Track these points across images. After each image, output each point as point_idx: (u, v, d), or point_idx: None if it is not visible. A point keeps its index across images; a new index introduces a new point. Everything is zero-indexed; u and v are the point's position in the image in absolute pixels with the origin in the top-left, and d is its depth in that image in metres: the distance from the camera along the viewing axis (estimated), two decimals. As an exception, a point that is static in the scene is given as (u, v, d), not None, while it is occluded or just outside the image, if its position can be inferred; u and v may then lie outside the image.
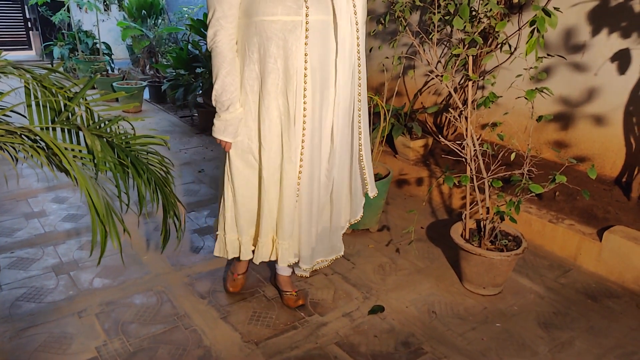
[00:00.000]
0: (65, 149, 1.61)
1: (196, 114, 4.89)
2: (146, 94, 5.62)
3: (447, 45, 3.65)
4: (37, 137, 1.58)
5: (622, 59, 2.90)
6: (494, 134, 2.32)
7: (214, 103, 1.80)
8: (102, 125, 1.78)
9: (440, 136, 3.60)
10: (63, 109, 1.77)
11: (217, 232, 2.02)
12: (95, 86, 5.74)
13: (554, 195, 2.84)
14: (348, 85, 1.82)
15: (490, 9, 2.20)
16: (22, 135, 1.61)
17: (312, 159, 1.84)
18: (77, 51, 6.30)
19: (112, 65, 6.40)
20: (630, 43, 2.84)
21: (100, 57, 6.19)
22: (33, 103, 1.73)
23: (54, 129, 1.79)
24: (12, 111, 1.84)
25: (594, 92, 3.06)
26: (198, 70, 4.65)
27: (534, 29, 2.04)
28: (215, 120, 1.81)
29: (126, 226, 1.59)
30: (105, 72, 5.80)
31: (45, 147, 1.59)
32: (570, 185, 2.31)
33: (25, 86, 1.74)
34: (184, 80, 4.63)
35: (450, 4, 2.25)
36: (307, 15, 1.67)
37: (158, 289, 2.27)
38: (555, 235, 2.65)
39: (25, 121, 1.79)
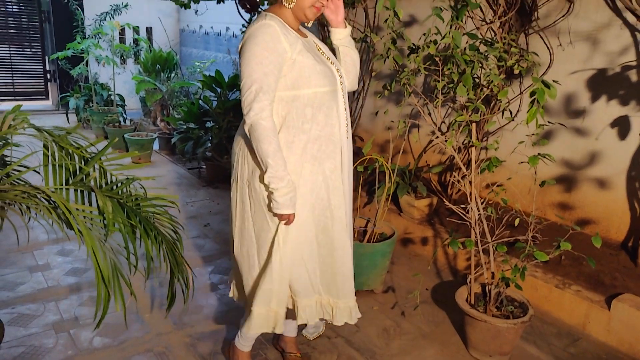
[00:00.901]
0: (77, 209, 1.66)
1: (204, 167, 4.97)
2: (156, 145, 5.74)
3: (451, 106, 3.75)
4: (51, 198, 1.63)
5: (621, 125, 2.97)
6: (498, 196, 2.35)
7: (268, 180, 1.69)
8: (115, 187, 1.83)
9: (444, 195, 3.65)
10: (78, 170, 1.82)
11: (253, 307, 1.87)
12: (107, 136, 5.87)
13: (560, 259, 2.84)
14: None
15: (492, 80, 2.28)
16: (37, 196, 1.65)
17: (347, 216, 1.92)
18: (92, 102, 6.48)
19: (125, 116, 6.56)
20: (629, 110, 2.91)
21: (113, 109, 6.36)
22: (50, 164, 1.79)
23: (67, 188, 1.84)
24: (23, 165, 1.91)
25: (595, 156, 3.11)
26: (208, 124, 4.76)
27: (534, 99, 2.11)
28: (277, 198, 1.70)
29: (133, 289, 1.61)
30: (117, 124, 5.95)
31: (57, 206, 1.64)
32: (575, 252, 2.31)
33: (44, 147, 1.80)
34: (194, 134, 4.74)
35: (453, 72, 2.33)
36: (341, 83, 1.86)
37: (159, 349, 2.25)
38: (562, 301, 2.63)
39: (38, 177, 1.84)
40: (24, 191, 1.62)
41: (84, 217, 1.64)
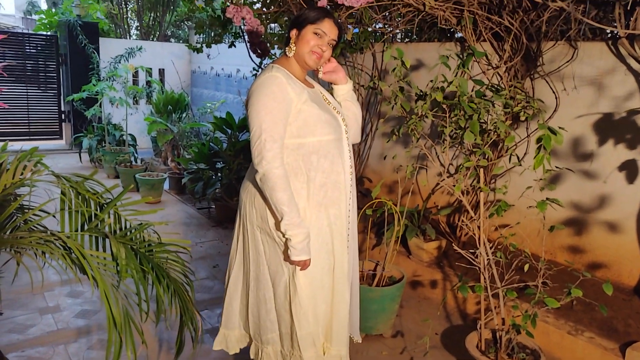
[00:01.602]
0: (91, 255, 1.69)
1: (213, 207, 5.01)
2: (166, 185, 5.80)
3: (459, 148, 3.80)
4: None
5: (629, 169, 2.98)
6: (507, 240, 2.36)
7: (285, 228, 1.72)
8: (129, 232, 1.86)
9: (453, 238, 3.64)
10: (94, 216, 1.86)
11: (302, 354, 1.87)
12: (119, 176, 5.96)
13: (572, 304, 2.81)
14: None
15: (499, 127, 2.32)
16: (53, 242, 1.69)
17: (349, 263, 1.93)
18: (105, 142, 6.61)
19: (136, 156, 6.67)
20: (637, 154, 2.94)
21: (125, 149, 6.47)
22: (66, 209, 1.83)
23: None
24: (42, 210, 1.95)
25: (604, 199, 3.12)
26: (218, 165, 4.83)
27: (541, 145, 2.14)
28: (295, 245, 1.72)
29: (144, 338, 1.61)
30: (129, 164, 6.04)
31: (72, 251, 1.67)
32: (587, 299, 2.29)
33: (62, 193, 1.85)
34: (204, 174, 4.81)
35: (460, 119, 2.38)
36: (346, 132, 1.91)
37: (168, 394, 2.23)
38: (575, 348, 2.59)
39: (53, 219, 1.88)
40: (40, 237, 1.66)
41: (98, 262, 1.67)
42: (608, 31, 3.06)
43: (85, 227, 1.87)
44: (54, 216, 1.84)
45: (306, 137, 1.78)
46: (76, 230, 1.82)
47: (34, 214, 1.83)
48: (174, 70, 8.91)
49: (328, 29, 1.81)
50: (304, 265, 1.78)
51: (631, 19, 2.77)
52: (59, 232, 1.79)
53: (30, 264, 1.84)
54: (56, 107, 8.16)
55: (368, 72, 4.60)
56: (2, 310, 2.88)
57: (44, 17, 8.86)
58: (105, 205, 1.88)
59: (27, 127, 8.00)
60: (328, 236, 1.86)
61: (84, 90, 6.47)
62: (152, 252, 1.91)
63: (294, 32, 1.84)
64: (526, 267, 2.23)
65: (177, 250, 1.96)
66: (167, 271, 1.88)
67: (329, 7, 3.59)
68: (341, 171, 1.86)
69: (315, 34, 1.80)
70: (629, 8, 2.72)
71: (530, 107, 2.52)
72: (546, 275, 2.20)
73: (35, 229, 1.75)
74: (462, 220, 3.23)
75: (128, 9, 11.00)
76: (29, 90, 7.94)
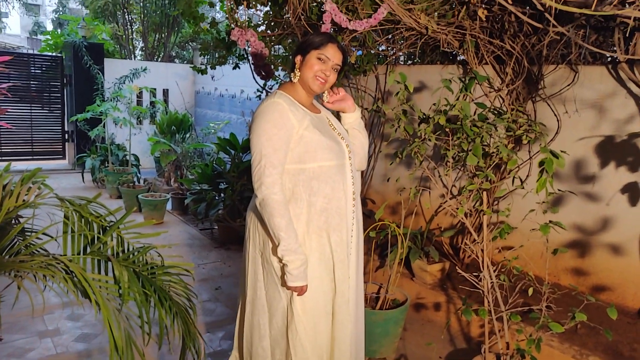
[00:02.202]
0: (94, 279, 1.69)
1: (216, 227, 5.01)
2: (169, 205, 5.81)
3: (462, 169, 3.81)
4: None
5: (632, 192, 2.98)
6: (511, 263, 2.35)
7: (282, 254, 1.73)
8: (131, 255, 1.86)
9: (457, 259, 3.63)
10: (96, 239, 1.86)
11: None
12: (121, 196, 5.97)
13: (576, 328, 2.78)
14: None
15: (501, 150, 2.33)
16: (55, 265, 1.69)
17: (352, 289, 1.91)
18: (108, 163, 6.63)
19: (139, 176, 6.69)
20: (638, 177, 2.94)
21: (128, 169, 6.50)
22: (69, 232, 1.83)
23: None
24: (45, 234, 1.95)
25: (607, 222, 3.11)
26: (221, 186, 4.84)
27: (543, 169, 2.15)
28: (291, 271, 1.73)
29: (146, 362, 1.60)
30: (132, 184, 6.05)
31: (74, 275, 1.67)
32: (591, 324, 2.27)
33: (65, 216, 1.86)
34: (207, 195, 4.81)
35: (463, 142, 2.39)
36: (350, 158, 1.90)
37: (168, 419, 2.20)
38: (579, 372, 2.55)
39: (56, 242, 1.88)
40: (42, 261, 1.66)
41: (100, 286, 1.67)
42: (608, 55, 3.08)
43: (88, 250, 1.88)
44: (55, 240, 1.84)
45: (307, 162, 1.78)
46: (79, 253, 1.82)
47: (37, 237, 1.83)
48: (178, 91, 9.00)
49: (331, 54, 1.82)
50: (301, 291, 1.77)
51: (630, 43, 2.80)
52: (61, 255, 1.79)
53: (31, 286, 1.84)
54: (60, 127, 8.22)
55: (371, 94, 4.64)
56: (2, 335, 2.85)
57: (49, 38, 8.99)
58: (108, 228, 1.89)
59: (31, 147, 8.05)
60: (330, 262, 1.85)
61: (88, 111, 6.52)
62: (155, 275, 1.90)
63: (298, 58, 1.86)
64: (530, 291, 2.22)
65: (179, 273, 1.95)
66: (170, 294, 1.87)
67: (333, 30, 3.64)
68: (342, 197, 1.85)
69: (319, 59, 1.81)
70: (627, 34, 2.75)
71: (532, 130, 2.54)
72: (550, 299, 2.19)
73: (37, 252, 1.75)
74: (465, 243, 3.22)
75: (133, 30, 11.15)
76: (33, 110, 8.01)
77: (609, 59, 3.27)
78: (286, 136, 1.75)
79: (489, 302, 2.30)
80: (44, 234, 1.87)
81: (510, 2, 2.77)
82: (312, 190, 1.80)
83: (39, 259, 1.69)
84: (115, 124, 6.64)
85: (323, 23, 3.35)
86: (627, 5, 2.54)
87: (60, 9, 22.68)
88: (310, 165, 1.79)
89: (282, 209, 1.72)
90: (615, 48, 2.88)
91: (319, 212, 1.81)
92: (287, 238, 1.71)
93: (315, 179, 1.80)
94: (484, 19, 3.29)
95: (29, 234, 1.97)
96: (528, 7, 2.98)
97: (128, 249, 1.98)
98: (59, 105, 8.18)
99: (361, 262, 2.03)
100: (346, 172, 1.88)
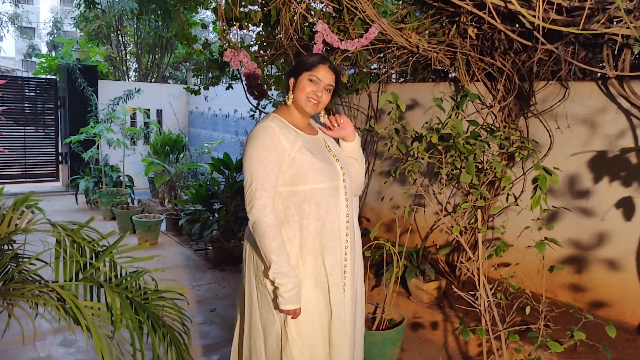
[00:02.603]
0: (86, 306, 1.66)
1: (210, 248, 4.97)
2: (163, 226, 5.77)
3: (456, 186, 3.81)
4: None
5: (626, 206, 2.99)
6: (507, 281, 2.34)
7: (273, 277, 1.72)
8: (124, 281, 1.83)
9: (453, 277, 3.61)
10: (89, 264, 1.84)
11: None
12: (115, 217, 5.93)
13: (575, 346, 2.76)
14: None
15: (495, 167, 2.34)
16: (47, 293, 1.66)
17: (353, 313, 1.91)
18: (102, 184, 6.60)
19: (133, 197, 6.66)
20: (632, 192, 2.95)
21: (122, 190, 6.46)
22: (61, 258, 1.81)
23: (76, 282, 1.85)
24: (38, 259, 1.93)
25: (603, 237, 3.11)
26: (215, 206, 4.82)
27: (537, 186, 2.15)
28: (282, 294, 1.72)
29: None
30: (126, 205, 6.02)
31: (65, 301, 1.64)
32: (590, 342, 2.25)
33: (57, 242, 1.84)
34: (202, 216, 4.79)
35: (456, 160, 2.40)
36: (344, 180, 1.87)
37: None
38: (579, 390, 2.53)
39: (48, 267, 1.86)
40: (33, 288, 1.63)
41: (92, 313, 1.64)
42: (598, 72, 3.12)
43: (80, 275, 1.85)
44: (49, 265, 1.82)
45: (299, 185, 1.78)
46: (70, 279, 1.79)
47: (30, 263, 1.81)
48: (172, 111, 9.02)
49: (323, 74, 1.83)
50: (294, 314, 1.75)
51: (619, 59, 2.84)
52: (53, 282, 1.77)
53: (22, 313, 1.81)
54: (53, 150, 8.20)
55: (364, 112, 4.66)
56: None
57: (44, 61, 9.02)
58: (101, 253, 1.86)
59: (24, 169, 8.01)
60: (325, 285, 1.83)
61: (81, 133, 6.51)
62: (148, 300, 1.88)
63: (291, 81, 1.87)
64: (528, 309, 2.20)
65: (173, 297, 1.93)
66: (163, 319, 1.84)
67: (325, 50, 3.67)
68: (336, 219, 1.83)
69: (311, 80, 1.82)
70: (615, 52, 2.78)
71: (525, 147, 2.55)
72: (548, 317, 2.17)
73: (30, 279, 1.73)
74: (461, 262, 3.21)
75: (127, 51, 11.21)
76: (26, 133, 7.99)
77: (599, 74, 3.30)
78: (277, 159, 1.75)
79: (486, 321, 2.28)
80: (37, 259, 1.85)
81: (499, 20, 2.80)
82: (304, 212, 1.78)
83: (30, 286, 1.66)
84: (109, 145, 6.64)
85: (315, 43, 3.38)
86: (614, 22, 2.58)
87: (55, 31, 22.82)
88: (302, 188, 1.78)
89: (273, 231, 1.72)
90: (604, 64, 2.92)
91: (313, 235, 1.79)
92: (278, 261, 1.70)
93: (306, 201, 1.78)
94: (474, 37, 3.33)
95: (22, 259, 1.95)
96: (517, 25, 3.01)
97: (121, 274, 1.95)
98: (53, 128, 8.17)
99: (360, 284, 2.00)
100: (340, 195, 1.85)
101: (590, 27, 2.33)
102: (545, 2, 2.32)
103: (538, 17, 2.23)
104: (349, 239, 1.89)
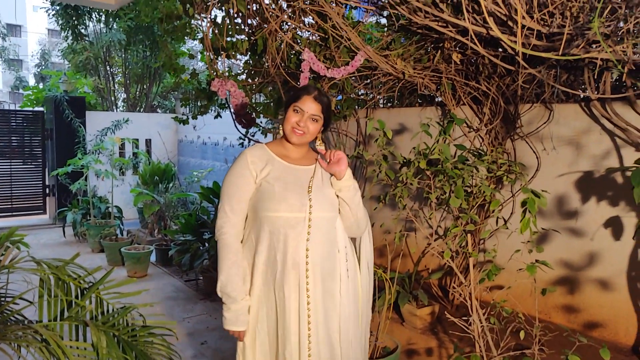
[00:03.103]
0: (70, 346, 1.62)
1: (201, 278, 4.90)
2: (153, 257, 5.70)
3: (446, 209, 3.81)
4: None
5: (614, 226, 3.00)
6: (499, 306, 2.32)
7: (219, 294, 1.82)
8: (111, 318, 1.80)
9: (446, 302, 3.58)
10: (74, 303, 1.80)
11: None
12: (103, 250, 5.85)
13: (571, 368, 2.73)
14: (352, 278, 1.90)
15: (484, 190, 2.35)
16: (30, 334, 1.62)
17: (319, 352, 1.81)
18: (90, 216, 6.53)
19: (122, 228, 6.59)
20: (620, 211, 2.97)
21: (111, 222, 6.40)
22: (45, 297, 1.77)
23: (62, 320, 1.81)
24: (22, 298, 1.88)
25: (593, 257, 3.11)
26: (205, 236, 4.78)
27: (526, 209, 2.15)
28: (225, 313, 1.82)
29: None
30: (114, 237, 5.95)
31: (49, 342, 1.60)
32: (585, 365, 2.23)
33: (40, 280, 1.80)
34: (192, 246, 4.74)
35: (445, 185, 2.41)
36: (310, 212, 1.80)
37: None
38: (578, 415, 2.49)
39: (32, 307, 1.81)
40: (16, 330, 1.59)
41: (78, 354, 1.60)
42: (580, 94, 3.17)
43: (66, 314, 1.81)
44: (33, 304, 1.78)
45: (259, 211, 1.82)
46: (55, 319, 1.75)
47: (13, 303, 1.77)
48: (161, 141, 9.01)
49: (306, 105, 1.84)
50: (238, 336, 1.84)
51: (600, 82, 2.89)
52: (37, 321, 1.73)
53: (5, 355, 1.76)
54: (40, 182, 8.12)
55: (353, 138, 4.68)
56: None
57: (31, 93, 9.01)
58: (87, 290, 1.83)
59: (10, 202, 7.91)
60: (279, 316, 1.80)
61: (69, 164, 6.47)
62: (136, 337, 1.84)
63: (282, 113, 1.91)
64: (522, 335, 2.18)
65: (162, 333, 1.89)
66: (152, 357, 1.80)
67: (312, 78, 3.70)
68: (294, 251, 1.78)
69: (295, 111, 1.85)
70: (595, 75, 2.83)
71: (513, 171, 2.56)
72: (542, 342, 2.15)
73: (12, 320, 1.69)
74: (453, 287, 3.19)
75: (115, 82, 11.24)
76: (12, 166, 7.92)
77: (582, 96, 3.36)
78: (242, 184, 1.84)
79: (480, 347, 2.25)
80: (21, 298, 1.81)
81: (482, 45, 2.85)
82: (259, 239, 1.82)
83: (13, 327, 1.62)
84: (97, 177, 6.59)
85: (302, 71, 3.41)
86: (594, 46, 2.63)
87: (43, 63, 22.90)
88: (261, 214, 1.81)
89: (226, 251, 1.82)
90: (585, 86, 2.97)
91: (263, 263, 1.82)
92: (224, 280, 1.80)
93: (262, 228, 1.81)
94: (459, 62, 3.38)
95: (4, 299, 1.90)
96: (500, 50, 3.07)
97: (108, 311, 1.91)
98: (40, 160, 8.11)
99: (352, 322, 1.90)
100: (299, 227, 1.79)
101: (570, 52, 2.38)
102: (525, 29, 2.37)
103: (519, 43, 2.27)
104: (311, 279, 1.78)
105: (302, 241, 1.78)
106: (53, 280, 1.82)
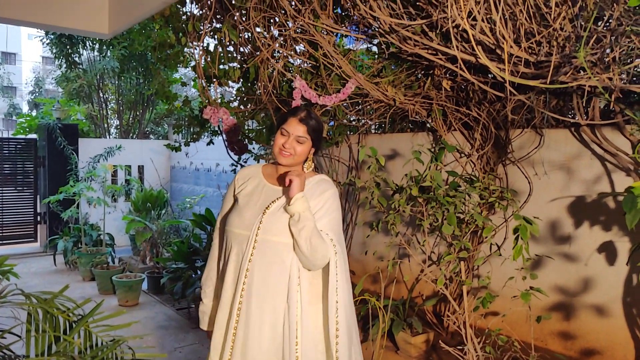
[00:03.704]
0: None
1: (193, 306, 4.83)
2: (144, 285, 5.62)
3: (439, 234, 3.80)
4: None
5: (608, 251, 3.00)
6: (494, 335, 2.30)
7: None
8: (100, 352, 1.76)
9: (441, 329, 3.55)
10: (62, 337, 1.77)
11: None
12: (94, 278, 5.77)
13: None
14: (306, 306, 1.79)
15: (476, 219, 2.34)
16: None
17: None
18: (81, 244, 6.46)
19: (114, 256, 6.51)
20: (613, 236, 2.97)
21: (102, 249, 6.33)
22: (33, 331, 1.74)
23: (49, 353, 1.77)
24: (11, 332, 1.84)
25: (588, 282, 3.10)
26: (198, 263, 4.73)
27: (518, 236, 2.15)
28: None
29: None
30: (106, 265, 5.88)
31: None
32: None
33: (28, 314, 1.76)
34: (184, 275, 4.68)
35: (437, 212, 2.40)
36: (257, 234, 1.78)
37: None
38: None
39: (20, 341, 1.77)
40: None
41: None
42: (569, 120, 3.20)
43: (54, 348, 1.77)
44: (21, 339, 1.74)
45: (225, 224, 1.92)
46: (43, 354, 1.71)
47: (1, 337, 1.73)
48: (154, 167, 8.99)
49: (292, 127, 1.85)
50: (208, 335, 1.98)
51: (589, 107, 2.92)
52: (24, 356, 1.69)
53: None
54: (31, 210, 8.04)
55: (345, 163, 4.69)
56: None
57: (23, 121, 9.00)
58: (75, 324, 1.79)
59: (0, 231, 7.82)
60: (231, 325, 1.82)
61: (60, 192, 6.42)
62: (125, 372, 1.80)
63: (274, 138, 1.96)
64: (518, 363, 2.16)
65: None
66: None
67: (303, 105, 3.72)
68: (237, 267, 1.81)
69: (282, 133, 1.89)
70: (584, 101, 2.87)
71: (504, 197, 2.57)
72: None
73: (0, 355, 1.65)
74: (447, 315, 3.16)
75: (108, 108, 11.26)
76: (4, 193, 7.86)
77: (572, 121, 3.39)
78: (227, 199, 2.00)
79: (477, 376, 2.22)
80: (9, 332, 1.77)
81: (472, 72, 2.89)
82: (224, 251, 1.91)
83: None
84: (89, 204, 6.54)
85: (294, 99, 3.44)
86: (582, 72, 2.67)
87: (36, 90, 22.96)
88: (226, 228, 1.90)
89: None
90: (574, 111, 3.00)
91: (220, 273, 1.94)
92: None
93: (225, 242, 1.90)
94: (449, 89, 3.42)
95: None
96: (490, 76, 3.11)
97: (97, 344, 1.87)
98: (31, 187, 8.06)
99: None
100: (244, 245, 1.79)
101: (558, 78, 2.41)
102: (513, 57, 2.41)
103: (507, 71, 2.30)
104: (245, 301, 1.75)
105: (245, 261, 1.78)
106: (41, 313, 1.78)
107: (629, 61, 2.43)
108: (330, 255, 1.76)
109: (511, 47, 2.39)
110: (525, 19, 2.37)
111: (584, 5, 2.18)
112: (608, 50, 2.42)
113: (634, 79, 2.80)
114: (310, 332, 1.77)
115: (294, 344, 1.73)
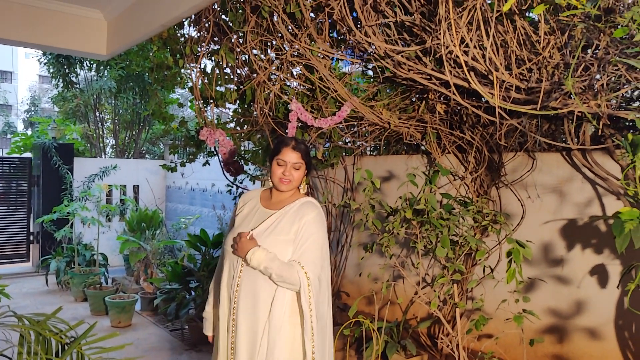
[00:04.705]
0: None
1: (187, 328, 4.80)
2: (138, 306, 5.58)
3: (434, 257, 3.81)
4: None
5: (600, 274, 3.02)
6: (489, 348, 2.30)
7: None
8: (92, 375, 1.75)
9: (435, 350, 3.53)
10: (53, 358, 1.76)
11: None
12: (87, 299, 5.72)
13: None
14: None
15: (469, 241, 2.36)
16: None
17: None
18: (74, 264, 6.42)
19: (107, 276, 6.47)
20: (604, 259, 2.99)
21: (95, 269, 6.29)
22: (25, 355, 1.73)
23: (41, 377, 1.75)
24: (2, 355, 1.83)
25: (581, 305, 3.11)
26: (192, 284, 4.71)
27: (511, 259, 2.17)
28: None
29: None
30: (99, 285, 5.83)
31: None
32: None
33: (20, 336, 1.76)
34: (178, 295, 4.66)
35: (431, 235, 2.42)
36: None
37: None
38: None
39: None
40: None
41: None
42: (560, 145, 3.25)
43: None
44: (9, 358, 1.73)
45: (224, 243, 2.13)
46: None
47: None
48: (149, 187, 8.98)
49: (288, 156, 2.04)
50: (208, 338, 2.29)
51: (580, 132, 2.97)
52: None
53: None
54: (24, 229, 7.99)
55: (341, 185, 4.72)
56: None
57: (18, 140, 9.01)
58: (67, 346, 1.79)
59: (-7, 250, 7.76)
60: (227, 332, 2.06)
61: (54, 212, 6.40)
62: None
63: (269, 166, 2.08)
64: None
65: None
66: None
67: (299, 127, 3.77)
68: (231, 283, 2.02)
69: (278, 164, 2.05)
70: (574, 126, 2.92)
71: (497, 221, 2.60)
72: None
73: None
74: (441, 338, 3.16)
75: (104, 127, 11.29)
76: (-3, 212, 7.82)
77: (563, 145, 3.44)
78: (232, 218, 2.20)
79: (471, 400, 2.21)
80: (1, 355, 1.76)
81: (465, 96, 2.94)
82: (222, 265, 2.12)
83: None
84: (83, 224, 6.52)
85: (290, 122, 3.48)
86: (572, 97, 2.73)
87: (32, 109, 23.00)
88: (224, 246, 2.11)
89: (216, 271, 2.21)
90: (565, 135, 3.05)
91: (218, 286, 2.11)
92: (208, 290, 2.26)
93: (224, 257, 2.10)
94: (443, 113, 3.47)
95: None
96: (483, 100, 3.16)
97: (89, 368, 1.86)
98: (25, 206, 8.02)
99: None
100: (235, 261, 2.02)
101: (549, 104, 2.47)
102: (505, 83, 2.46)
103: (497, 97, 2.35)
104: (237, 313, 1.97)
105: (235, 277, 1.99)
106: (34, 335, 1.78)
107: (618, 88, 2.49)
108: (302, 283, 1.90)
109: (502, 73, 2.45)
110: (516, 46, 2.43)
111: (572, 34, 2.24)
112: (598, 77, 2.47)
113: (623, 104, 2.86)
114: (289, 343, 1.96)
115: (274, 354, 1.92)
